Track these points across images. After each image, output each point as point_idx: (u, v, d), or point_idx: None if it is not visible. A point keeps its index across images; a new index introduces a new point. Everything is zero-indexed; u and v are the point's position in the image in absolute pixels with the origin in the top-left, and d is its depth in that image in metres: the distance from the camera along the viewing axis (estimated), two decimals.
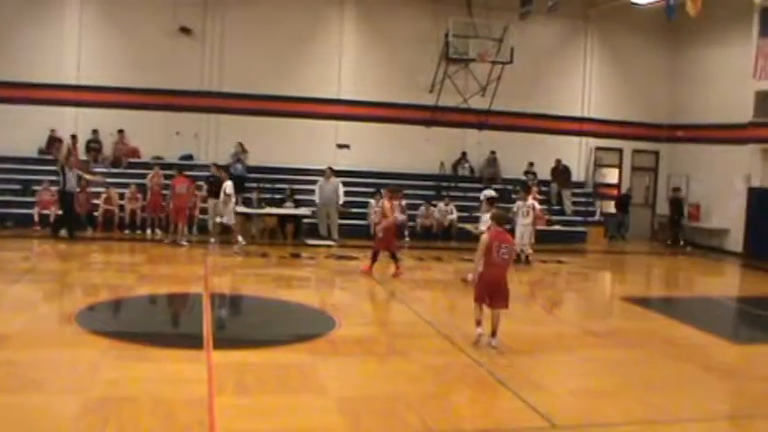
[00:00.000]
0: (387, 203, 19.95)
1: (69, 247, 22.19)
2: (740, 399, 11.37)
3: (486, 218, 18.02)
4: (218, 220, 23.70)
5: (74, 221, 23.67)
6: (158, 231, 24.65)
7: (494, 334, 12.70)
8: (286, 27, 28.78)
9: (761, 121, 26.36)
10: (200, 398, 9.36)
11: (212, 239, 23.65)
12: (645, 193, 33.28)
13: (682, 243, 28.90)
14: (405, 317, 15.21)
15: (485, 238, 12.87)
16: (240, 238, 23.34)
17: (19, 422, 8.34)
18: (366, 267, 19.66)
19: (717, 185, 28.75)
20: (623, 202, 31.80)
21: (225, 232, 24.10)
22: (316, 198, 25.88)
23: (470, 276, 17.27)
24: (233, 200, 23.32)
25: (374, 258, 19.72)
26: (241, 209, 24.84)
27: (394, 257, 19.80)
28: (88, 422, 8.40)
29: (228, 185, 23.22)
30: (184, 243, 23.40)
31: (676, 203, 29.18)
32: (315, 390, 10.27)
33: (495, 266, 12.71)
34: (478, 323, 12.94)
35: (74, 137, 26.74)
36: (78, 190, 24.05)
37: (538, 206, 23.77)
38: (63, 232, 23.36)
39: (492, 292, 12.77)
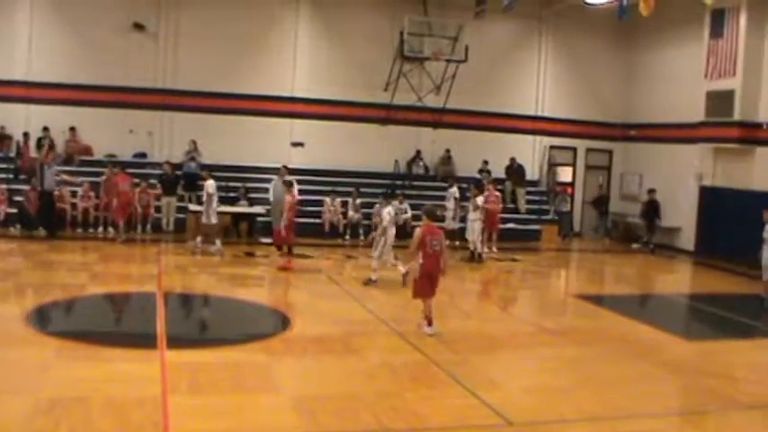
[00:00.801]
0: (290, 198, 20.49)
1: (20, 246, 21.92)
2: (693, 394, 11.53)
3: (386, 211, 18.21)
4: (203, 220, 23.12)
5: (52, 220, 23.58)
6: (111, 230, 24.38)
7: (430, 323, 13.57)
8: (241, 24, 28.60)
9: (712, 121, 26.62)
10: (153, 398, 9.29)
11: (217, 241, 22.95)
12: (598, 191, 33.47)
13: (652, 246, 28.62)
14: (359, 315, 15.21)
15: (418, 231, 13.73)
16: (218, 242, 22.74)
17: None
18: (286, 264, 20.23)
19: (669, 184, 28.97)
20: (600, 203, 31.91)
21: (178, 231, 24.07)
22: (269, 196, 25.76)
23: (403, 269, 17.45)
24: (215, 199, 22.78)
25: (289, 252, 20.63)
26: (194, 207, 24.69)
27: (290, 251, 20.66)
28: (39, 424, 8.31)
29: (210, 185, 22.75)
30: (123, 237, 23.46)
31: (652, 205, 28.84)
32: (270, 389, 10.25)
33: (430, 258, 13.56)
34: (429, 322, 13.52)
35: (26, 134, 26.41)
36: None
37: (480, 201, 23.84)
38: (42, 231, 23.33)
39: (432, 282, 13.67)
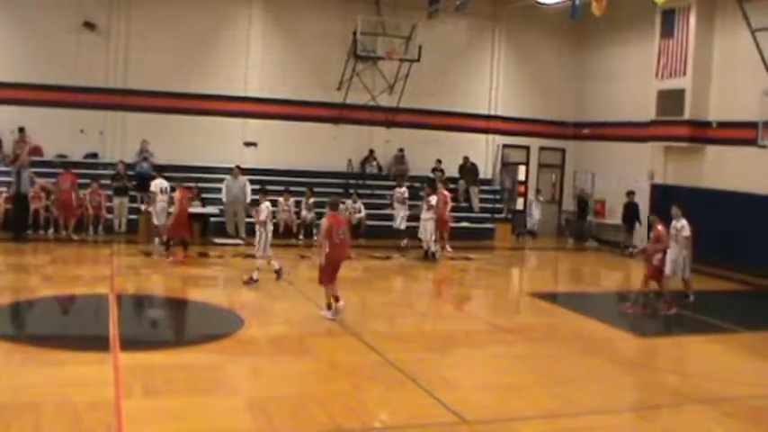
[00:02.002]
0: (178, 194, 21.08)
1: None
2: (645, 390, 11.69)
3: (263, 206, 18.35)
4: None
5: (24, 222, 23.37)
6: (63, 231, 24.09)
7: (337, 299, 14.75)
8: (193, 23, 28.42)
9: (662, 120, 26.89)
10: (106, 401, 9.21)
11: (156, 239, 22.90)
12: (552, 189, 33.72)
13: (631, 250, 27.41)
14: (314, 315, 15.16)
15: (325, 222, 14.95)
16: (157, 241, 22.82)
17: None
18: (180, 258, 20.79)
19: (621, 182, 29.18)
20: (582, 207, 31.31)
21: (130, 232, 23.98)
22: (223, 197, 25.66)
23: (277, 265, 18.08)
24: (158, 199, 22.66)
25: (167, 245, 21.13)
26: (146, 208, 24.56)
27: (170, 245, 21.08)
28: None
29: (153, 184, 22.67)
30: (74, 237, 23.51)
31: (631, 208, 28.33)
32: (224, 390, 10.21)
33: (337, 246, 14.77)
34: (329, 306, 14.77)
35: None
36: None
37: (433, 201, 23.91)
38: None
39: (336, 269, 14.90)
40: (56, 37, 26.86)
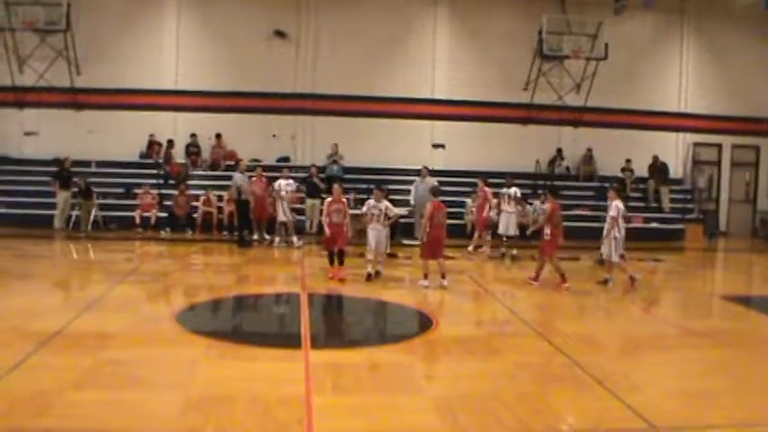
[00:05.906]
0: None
1: (170, 248, 22.72)
2: None
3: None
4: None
5: (245, 229, 24.22)
6: (255, 233, 24.82)
7: (443, 276, 17.28)
8: (379, 28, 28.94)
9: None
10: (297, 397, 9.45)
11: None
12: (745, 188, 32.56)
13: None
14: (501, 316, 15.17)
15: (429, 207, 17.37)
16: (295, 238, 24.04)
17: (122, 418, 8.55)
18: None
19: None
20: None
21: (321, 232, 24.50)
22: (411, 198, 25.85)
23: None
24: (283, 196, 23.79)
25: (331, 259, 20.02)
26: None
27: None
28: (189, 419, 8.56)
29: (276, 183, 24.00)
30: (267, 238, 24.68)
31: None
32: (412, 389, 10.29)
33: (436, 228, 17.32)
34: (425, 276, 17.38)
35: (170, 141, 27.35)
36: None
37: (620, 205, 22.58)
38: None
39: (435, 247, 17.40)
40: (248, 46, 27.95)
